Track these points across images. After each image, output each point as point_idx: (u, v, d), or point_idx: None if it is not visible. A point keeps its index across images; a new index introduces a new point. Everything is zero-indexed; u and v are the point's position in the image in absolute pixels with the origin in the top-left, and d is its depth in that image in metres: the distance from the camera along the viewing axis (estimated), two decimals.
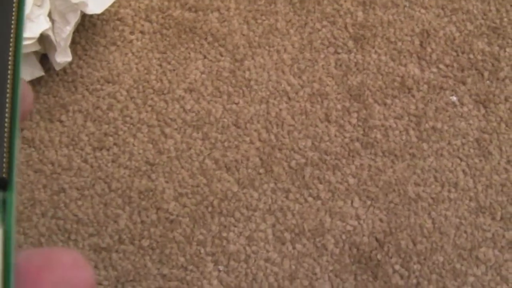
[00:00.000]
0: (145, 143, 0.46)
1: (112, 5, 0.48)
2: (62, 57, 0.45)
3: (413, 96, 0.46)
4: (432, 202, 0.45)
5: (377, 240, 0.45)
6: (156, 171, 0.46)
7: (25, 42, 0.46)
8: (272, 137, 0.45)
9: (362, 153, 0.45)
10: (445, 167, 0.45)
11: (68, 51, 0.45)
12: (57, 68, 0.44)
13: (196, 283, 0.44)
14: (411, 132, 0.45)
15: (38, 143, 0.47)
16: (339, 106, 0.46)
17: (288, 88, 0.45)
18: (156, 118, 0.46)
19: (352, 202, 0.45)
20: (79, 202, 0.44)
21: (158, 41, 0.48)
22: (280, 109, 0.45)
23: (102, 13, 0.49)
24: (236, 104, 0.45)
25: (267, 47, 0.47)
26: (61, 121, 0.46)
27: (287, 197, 0.45)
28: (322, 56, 0.47)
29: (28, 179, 0.46)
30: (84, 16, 0.48)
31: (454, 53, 0.47)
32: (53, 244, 0.41)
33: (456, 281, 0.44)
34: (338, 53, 0.47)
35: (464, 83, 0.46)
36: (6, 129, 0.17)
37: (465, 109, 0.45)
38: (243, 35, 0.47)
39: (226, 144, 0.46)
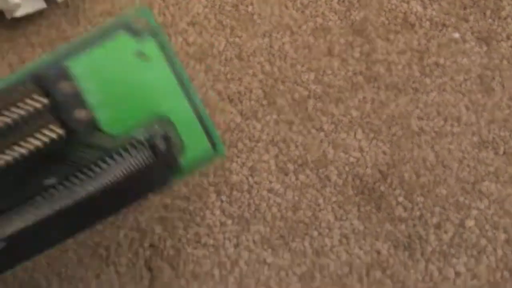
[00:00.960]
0: None
1: None
2: None
3: (416, 32, 0.45)
4: (435, 136, 0.44)
5: (380, 172, 0.44)
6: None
7: None
8: (275, 69, 0.43)
9: (365, 87, 0.44)
10: (448, 102, 0.43)
11: None
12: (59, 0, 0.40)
13: (198, 213, 0.40)
14: (414, 67, 0.44)
15: None
16: (342, 41, 0.44)
17: (291, 22, 0.43)
18: None
19: (355, 134, 0.44)
20: None
21: None
22: (283, 43, 0.43)
23: None
24: (239, 37, 0.42)
25: None
26: None
27: (290, 129, 0.44)
28: None
29: None
30: None
31: None
32: None
33: (459, 214, 0.43)
34: None
35: (466, 21, 0.43)
36: None
37: (468, 45, 0.42)
38: None
39: (229, 76, 0.44)
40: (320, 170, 0.43)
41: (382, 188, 0.42)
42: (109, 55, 0.32)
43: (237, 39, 0.45)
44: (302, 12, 0.45)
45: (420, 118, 0.43)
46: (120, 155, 0.30)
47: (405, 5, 0.45)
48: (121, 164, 0.30)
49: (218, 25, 0.45)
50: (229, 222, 0.43)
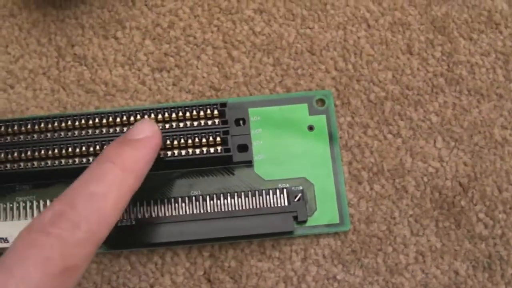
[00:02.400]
0: (210, 66, 0.39)
1: None
2: None
3: (501, 32, 0.39)
4: None
5: (460, 184, 0.37)
6: (222, 96, 0.39)
7: None
8: (350, 66, 0.39)
9: (446, 90, 0.38)
10: None
11: None
12: None
13: None
14: (498, 70, 0.39)
15: (91, 61, 0.40)
16: (422, 38, 0.39)
17: (368, 14, 0.38)
18: (223, 39, 0.39)
19: (435, 142, 0.38)
20: None
21: None
22: (359, 37, 0.39)
23: None
24: (311, 29, 0.37)
25: None
26: (116, 38, 0.37)
27: (365, 133, 0.38)
28: None
29: (79, 100, 0.37)
30: None
31: None
32: None
33: None
34: None
35: None
36: None
37: None
38: None
39: (299, 71, 0.39)
40: (397, 180, 0.37)
41: (462, 202, 0.37)
42: (285, 118, 0.37)
43: (308, 31, 0.38)
44: (380, 4, 0.38)
45: (504, 127, 0.38)
46: (262, 194, 0.35)
47: (489, 1, 0.39)
48: (259, 201, 0.35)
49: (287, 14, 0.39)
50: None
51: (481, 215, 0.36)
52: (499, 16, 0.39)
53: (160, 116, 0.35)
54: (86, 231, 0.25)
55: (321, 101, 0.37)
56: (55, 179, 0.36)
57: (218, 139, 0.35)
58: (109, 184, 0.27)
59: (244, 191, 0.35)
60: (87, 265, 0.26)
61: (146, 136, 0.32)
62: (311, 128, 0.37)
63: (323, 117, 0.37)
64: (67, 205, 0.26)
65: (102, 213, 0.26)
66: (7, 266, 0.23)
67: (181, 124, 0.35)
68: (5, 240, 0.34)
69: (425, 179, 0.36)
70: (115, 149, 0.30)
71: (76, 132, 0.35)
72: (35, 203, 0.35)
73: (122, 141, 0.31)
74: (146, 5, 0.39)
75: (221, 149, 0.35)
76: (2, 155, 0.35)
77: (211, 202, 0.35)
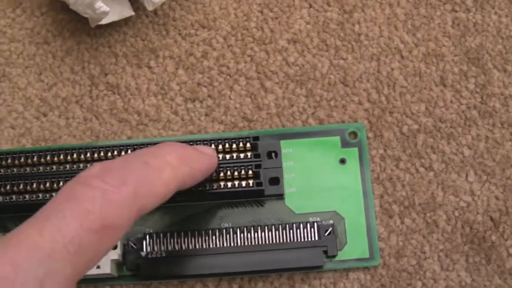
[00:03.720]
0: (242, 96, 0.39)
1: None
2: None
3: None
4: None
5: (492, 219, 0.37)
6: (255, 128, 0.38)
7: None
8: (383, 98, 0.38)
9: (479, 123, 0.38)
10: None
11: None
12: (150, 8, 0.33)
13: None
14: None
15: (124, 90, 0.40)
16: (455, 69, 0.39)
17: (401, 45, 0.38)
18: (256, 69, 0.39)
19: (467, 176, 0.37)
20: None
21: None
22: (392, 68, 0.39)
23: None
24: (344, 59, 0.36)
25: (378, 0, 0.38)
26: (149, 67, 0.37)
27: (397, 166, 0.38)
28: (438, 13, 0.40)
29: (112, 129, 0.37)
30: None
31: None
32: None
33: None
34: (456, 11, 0.40)
35: None
36: None
37: None
38: None
39: (332, 103, 0.39)
40: (428, 214, 0.36)
41: (493, 237, 0.36)
42: (317, 151, 0.37)
43: (341, 61, 0.38)
44: (413, 34, 0.38)
45: None
46: (293, 227, 0.35)
47: None
48: (289, 234, 0.35)
49: (321, 44, 0.39)
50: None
51: None
52: None
53: None
54: (132, 192, 0.24)
55: (354, 134, 0.37)
56: None
57: (250, 172, 0.35)
58: (165, 163, 0.27)
59: (274, 224, 0.35)
60: (125, 230, 0.25)
61: (209, 153, 0.32)
62: (343, 161, 0.36)
63: (355, 150, 0.37)
64: (120, 164, 0.25)
65: (152, 182, 0.26)
66: (45, 214, 0.22)
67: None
68: None
69: (456, 213, 0.36)
70: (180, 145, 0.30)
71: None
72: None
73: (187, 146, 0.31)
74: (179, 34, 0.39)
75: (253, 183, 0.35)
76: (35, 185, 0.35)
77: (242, 235, 0.35)
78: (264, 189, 0.35)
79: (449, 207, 0.36)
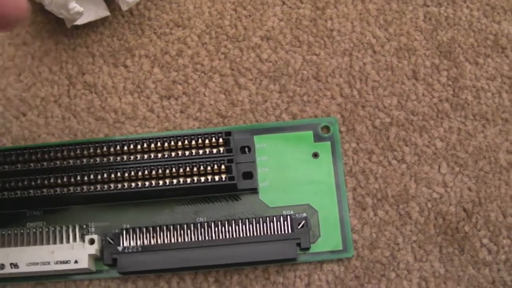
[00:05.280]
0: (217, 93, 0.40)
1: None
2: None
3: (507, 56, 0.39)
4: None
5: (465, 210, 0.37)
6: (228, 124, 0.39)
7: None
8: (355, 92, 0.39)
9: (451, 115, 0.38)
10: None
11: None
12: (125, 8, 0.33)
13: None
14: (504, 95, 0.38)
15: (101, 89, 0.40)
16: (427, 63, 0.39)
17: (373, 40, 0.38)
18: (230, 66, 0.40)
19: (439, 168, 0.38)
20: None
21: None
22: (364, 63, 0.39)
23: None
24: (317, 55, 0.37)
25: None
26: (126, 66, 0.38)
27: (369, 159, 0.38)
28: (410, 8, 0.40)
29: (89, 127, 0.39)
30: None
31: None
32: None
33: None
34: (427, 6, 0.40)
35: None
36: None
37: None
38: None
39: (305, 98, 0.39)
40: (401, 206, 0.37)
41: (466, 228, 0.36)
42: (290, 145, 0.37)
43: (314, 57, 0.38)
44: (386, 29, 0.38)
45: (509, 152, 0.37)
46: (266, 221, 0.35)
47: (495, 25, 0.38)
48: (263, 227, 0.35)
49: (294, 40, 0.39)
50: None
51: (485, 241, 0.36)
52: (505, 40, 0.38)
53: (166, 144, 0.36)
54: None
55: (326, 128, 0.37)
56: (65, 205, 0.36)
57: (223, 167, 0.35)
58: None
59: (248, 218, 0.35)
60: None
61: None
62: (315, 155, 0.37)
63: (328, 144, 0.37)
64: None
65: None
66: None
67: (187, 153, 0.35)
68: (15, 265, 0.35)
69: (429, 204, 0.36)
70: None
71: (85, 160, 0.36)
72: (45, 229, 0.35)
73: None
74: (155, 33, 0.40)
75: (225, 177, 0.35)
76: (13, 183, 0.35)
77: (216, 229, 0.36)
78: (236, 183, 0.35)
79: (422, 199, 0.36)
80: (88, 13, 0.37)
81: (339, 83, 0.38)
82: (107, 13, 0.38)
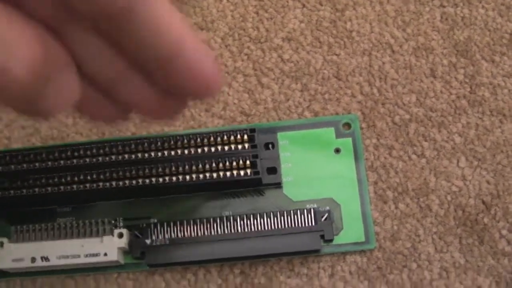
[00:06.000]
0: (240, 92, 0.41)
1: None
2: None
3: None
4: None
5: (483, 202, 0.38)
6: (252, 121, 0.40)
7: None
8: (375, 90, 0.40)
9: (469, 111, 0.39)
10: None
11: None
12: None
13: None
14: None
15: None
16: (445, 62, 0.40)
17: (392, 40, 0.39)
18: (253, 67, 0.41)
19: (458, 162, 0.39)
20: None
21: None
22: (383, 62, 0.40)
23: None
24: (337, 55, 0.38)
25: None
26: None
27: (390, 154, 0.39)
28: (427, 9, 0.41)
29: (116, 126, 0.37)
30: None
31: None
32: None
33: None
34: (444, 6, 0.41)
35: None
36: None
37: None
38: None
39: (326, 96, 0.40)
40: (421, 199, 0.38)
41: (485, 220, 0.37)
42: (313, 141, 0.38)
43: (335, 57, 0.39)
44: (403, 30, 0.39)
45: None
46: (291, 214, 0.36)
47: (510, 24, 0.40)
48: (288, 220, 0.36)
49: (314, 41, 0.40)
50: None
51: (504, 232, 0.37)
52: None
53: (193, 142, 0.37)
54: None
55: (347, 125, 0.38)
56: (93, 201, 0.38)
57: (248, 162, 0.36)
58: None
59: (273, 212, 0.36)
60: None
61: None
62: (337, 150, 0.38)
63: (349, 140, 0.38)
64: None
65: None
66: None
67: (213, 149, 0.36)
68: (46, 258, 0.35)
69: (449, 197, 0.37)
70: None
71: (114, 157, 0.37)
72: (75, 224, 0.36)
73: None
74: None
75: (250, 172, 0.36)
76: (44, 180, 0.36)
77: (242, 222, 0.37)
78: (261, 178, 0.36)
79: (442, 192, 0.37)
80: None
81: (359, 81, 0.39)
82: None
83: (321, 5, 0.41)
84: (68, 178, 0.37)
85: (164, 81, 0.20)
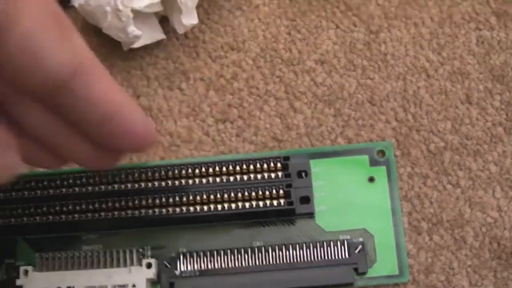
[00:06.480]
0: (272, 117, 0.40)
1: None
2: (188, 19, 0.36)
3: None
4: None
5: None
6: (284, 147, 0.39)
7: (148, 2, 0.37)
8: (410, 116, 0.39)
9: (505, 139, 0.38)
10: None
11: (195, 13, 0.36)
12: (181, 31, 0.34)
13: None
14: None
15: (156, 112, 0.40)
16: (481, 87, 0.39)
17: (427, 64, 0.39)
18: (285, 90, 0.40)
19: (493, 192, 0.38)
20: None
21: (287, 7, 0.41)
22: (418, 87, 0.39)
23: None
24: (371, 79, 0.38)
25: (403, 19, 0.40)
26: (181, 89, 0.39)
27: (424, 183, 0.38)
28: (462, 32, 0.40)
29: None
30: None
31: None
32: None
33: None
34: (480, 30, 0.40)
35: None
36: None
37: None
38: (378, 5, 0.40)
39: (360, 122, 0.39)
40: (456, 231, 0.37)
41: None
42: (346, 170, 0.37)
43: (369, 81, 0.38)
44: (439, 53, 0.38)
45: None
46: (323, 245, 0.35)
47: None
48: (320, 252, 0.35)
49: (348, 64, 0.39)
50: None
51: None
52: None
53: (224, 169, 0.36)
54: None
55: (382, 153, 0.37)
56: (121, 228, 0.36)
57: (281, 192, 0.35)
58: None
59: (305, 242, 0.36)
60: None
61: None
62: (371, 179, 0.37)
63: (383, 168, 0.37)
64: None
65: None
66: None
67: (245, 177, 0.35)
68: None
69: (484, 229, 0.36)
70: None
71: (143, 184, 0.36)
72: (101, 252, 0.35)
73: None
74: (210, 56, 0.40)
75: (284, 202, 0.35)
76: (71, 206, 0.35)
77: (273, 253, 0.36)
78: (295, 208, 0.35)
79: (477, 223, 0.36)
80: (144, 36, 0.37)
81: (394, 107, 0.38)
82: (163, 36, 0.38)
83: (355, 26, 0.39)
84: (96, 205, 0.36)
85: (101, 140, 0.23)
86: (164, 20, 0.39)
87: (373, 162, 0.37)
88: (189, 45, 0.41)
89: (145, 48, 0.41)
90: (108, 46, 0.41)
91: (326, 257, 0.35)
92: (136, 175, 0.36)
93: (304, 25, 0.41)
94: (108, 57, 0.41)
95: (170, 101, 0.40)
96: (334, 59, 0.40)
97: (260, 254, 0.36)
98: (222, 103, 0.40)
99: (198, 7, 0.39)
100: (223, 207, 0.35)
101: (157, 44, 0.41)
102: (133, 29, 0.37)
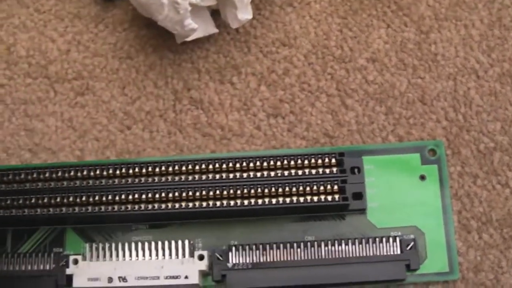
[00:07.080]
0: (323, 113, 0.39)
1: None
2: (243, 14, 0.36)
3: None
4: None
5: None
6: (336, 144, 0.39)
7: None
8: (460, 117, 0.39)
9: None
10: None
11: (249, 8, 0.36)
12: (235, 26, 0.34)
13: None
14: None
15: (207, 105, 0.40)
16: None
17: (477, 66, 0.39)
18: (336, 87, 0.40)
19: None
20: None
21: (339, 5, 0.41)
22: (468, 88, 0.39)
23: None
24: (422, 78, 0.39)
25: (454, 21, 0.40)
26: (232, 83, 0.39)
27: (474, 183, 0.38)
28: (511, 34, 0.40)
29: (196, 143, 0.40)
30: None
31: None
32: None
33: None
34: None
35: None
36: None
37: None
38: (429, 5, 0.40)
39: (411, 120, 0.39)
40: (505, 230, 0.37)
41: None
42: (398, 167, 0.37)
43: (419, 80, 0.39)
44: (488, 55, 0.39)
45: None
46: (375, 241, 0.35)
47: None
48: (372, 248, 0.35)
49: (399, 63, 0.40)
50: None
51: None
52: None
53: (279, 163, 0.35)
54: None
55: (433, 151, 0.37)
56: (171, 220, 0.36)
57: (336, 187, 0.35)
58: None
59: (357, 238, 0.35)
60: None
61: None
62: (423, 177, 0.37)
63: (434, 167, 0.37)
64: None
65: None
66: None
67: (300, 172, 0.35)
68: (124, 279, 0.34)
69: None
70: None
71: (197, 177, 0.36)
72: (153, 244, 0.35)
73: None
74: (261, 51, 0.40)
75: (339, 198, 0.35)
76: (123, 196, 0.35)
77: (326, 248, 0.36)
78: (349, 204, 0.35)
79: None
80: (198, 30, 0.37)
81: (444, 106, 0.38)
82: (216, 30, 0.38)
83: (406, 26, 0.40)
84: (149, 195, 0.35)
85: None
86: (214, 14, 0.39)
87: (425, 161, 0.38)
88: (240, 40, 0.41)
89: (196, 41, 0.40)
90: (157, 39, 0.41)
91: (377, 253, 0.35)
92: (187, 167, 0.35)
93: (355, 23, 0.41)
94: (158, 50, 0.41)
95: (221, 95, 0.40)
96: (385, 57, 0.40)
97: (312, 249, 0.36)
98: (274, 98, 0.40)
99: (250, 2, 0.39)
100: (277, 201, 0.35)
101: (208, 38, 0.41)
102: (189, 22, 0.37)
